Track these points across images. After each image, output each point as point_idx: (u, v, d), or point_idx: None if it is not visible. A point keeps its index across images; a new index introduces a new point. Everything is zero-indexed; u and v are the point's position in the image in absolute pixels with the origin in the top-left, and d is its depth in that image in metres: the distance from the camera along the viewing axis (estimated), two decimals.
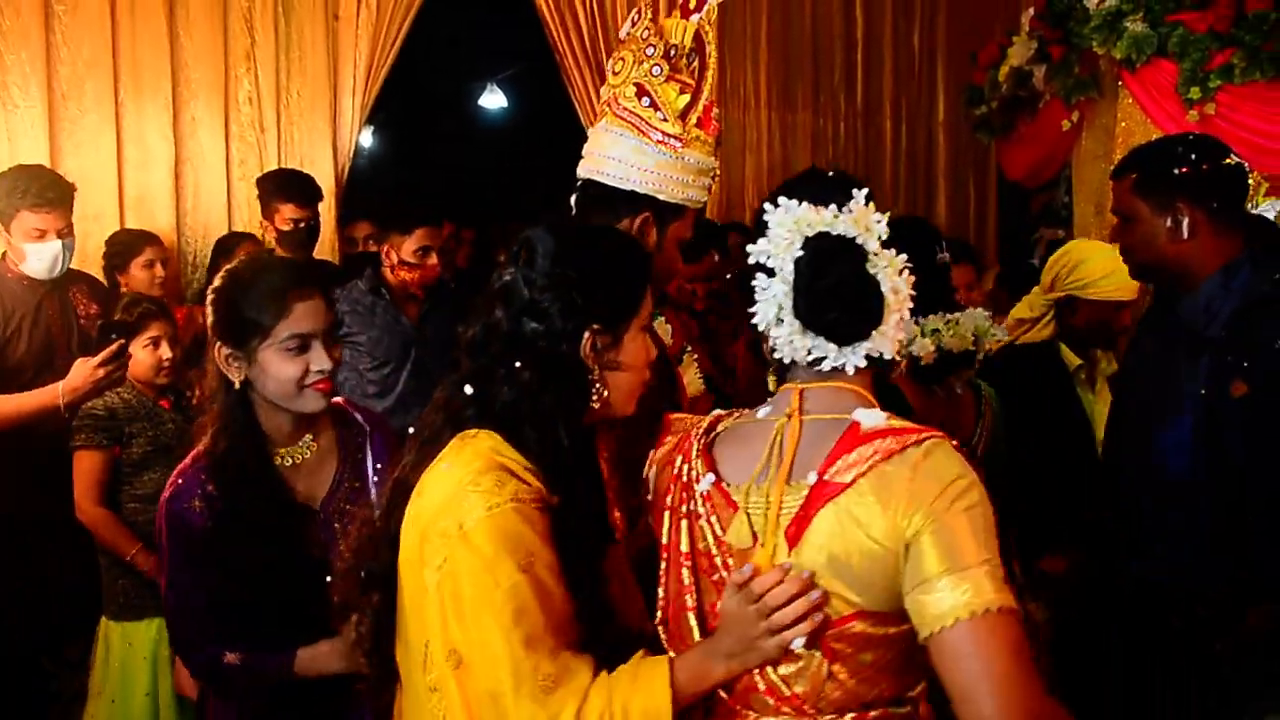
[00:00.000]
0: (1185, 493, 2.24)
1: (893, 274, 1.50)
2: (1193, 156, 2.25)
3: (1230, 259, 2.24)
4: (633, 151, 2.05)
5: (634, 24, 2.12)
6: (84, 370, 2.94)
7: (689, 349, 2.27)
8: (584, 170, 2.15)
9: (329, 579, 1.73)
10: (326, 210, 4.69)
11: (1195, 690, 2.23)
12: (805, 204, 1.50)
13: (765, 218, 1.53)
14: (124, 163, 4.45)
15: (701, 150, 2.07)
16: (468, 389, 1.56)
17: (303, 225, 4.00)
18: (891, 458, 1.38)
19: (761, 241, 1.52)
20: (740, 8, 5.74)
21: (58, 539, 3.35)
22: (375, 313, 3.81)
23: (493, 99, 9.32)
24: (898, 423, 1.45)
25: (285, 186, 4.03)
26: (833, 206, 1.51)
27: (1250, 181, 3.41)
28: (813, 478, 1.42)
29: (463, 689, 1.41)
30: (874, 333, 1.49)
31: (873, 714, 1.43)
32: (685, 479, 1.57)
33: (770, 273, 1.50)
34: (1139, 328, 2.63)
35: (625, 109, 2.08)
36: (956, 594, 1.30)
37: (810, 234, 1.49)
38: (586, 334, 1.52)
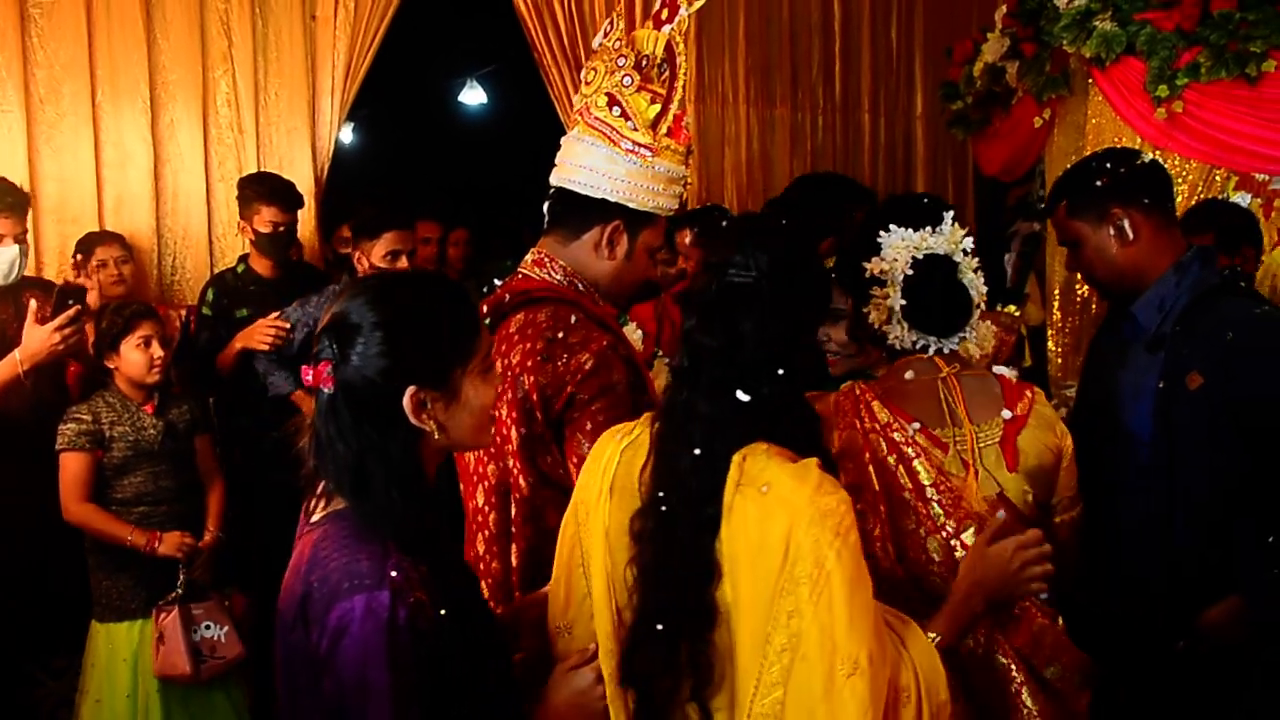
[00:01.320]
0: (1146, 482, 2.28)
1: (976, 280, 2.05)
2: (1108, 165, 2.35)
3: (1178, 255, 2.31)
4: (604, 160, 2.08)
5: (606, 34, 2.14)
6: (41, 334, 2.95)
7: (660, 353, 2.30)
8: (556, 179, 2.17)
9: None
10: (306, 212, 4.69)
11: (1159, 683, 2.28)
12: (910, 230, 2.02)
13: (879, 240, 2.03)
14: (102, 165, 4.44)
15: (672, 159, 2.10)
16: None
17: (282, 229, 4.00)
18: (1037, 397, 2.02)
19: (876, 260, 2.03)
20: (719, 3, 5.75)
21: (47, 543, 3.38)
22: None
23: (472, 95, 9.31)
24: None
25: (268, 189, 4.02)
26: (931, 228, 2.03)
27: (1218, 176, 3.50)
28: (1008, 414, 1.98)
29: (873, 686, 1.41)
30: (966, 326, 2.04)
31: None
32: (879, 431, 1.99)
33: (882, 283, 2.02)
34: (1096, 335, 2.69)
35: (597, 118, 2.10)
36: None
37: (920, 255, 2.00)
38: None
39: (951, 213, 2.06)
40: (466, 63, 9.09)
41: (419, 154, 9.78)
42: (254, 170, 4.57)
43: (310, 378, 1.49)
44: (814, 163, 6.05)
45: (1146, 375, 2.29)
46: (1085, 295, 3.97)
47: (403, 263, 3.77)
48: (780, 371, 1.53)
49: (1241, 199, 3.68)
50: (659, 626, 1.51)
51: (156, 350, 3.34)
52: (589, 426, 1.98)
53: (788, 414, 1.58)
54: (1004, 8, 4.28)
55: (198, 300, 4.14)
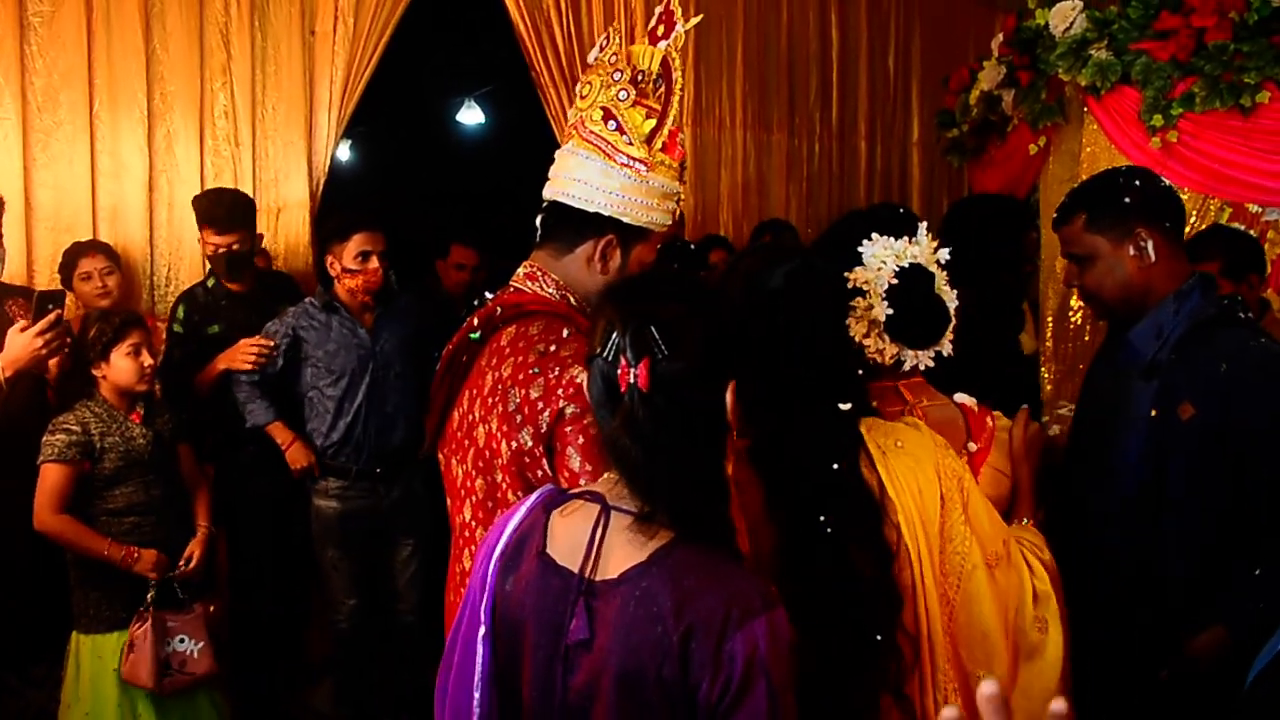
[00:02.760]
0: (1134, 511, 2.27)
1: (949, 292, 2.03)
2: (1136, 183, 2.30)
3: (1182, 282, 2.29)
4: (598, 174, 2.07)
5: (602, 49, 2.14)
6: (23, 340, 2.93)
7: None
8: (549, 192, 2.17)
9: None
10: (301, 225, 4.71)
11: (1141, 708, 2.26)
12: (891, 238, 1.99)
13: (860, 250, 1.99)
14: (98, 175, 4.43)
15: (666, 175, 2.09)
16: None
17: (224, 251, 3.93)
18: (998, 423, 2.06)
19: (860, 270, 1.98)
20: (717, 27, 5.78)
21: (25, 552, 3.35)
22: (331, 327, 3.83)
23: (470, 115, 9.34)
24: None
25: (203, 211, 3.98)
26: (909, 238, 2.00)
27: (1211, 206, 3.50)
28: (973, 446, 2.01)
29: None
30: (941, 339, 2.03)
31: None
32: None
33: (863, 294, 1.98)
34: (1093, 363, 2.66)
35: (591, 132, 2.09)
36: None
37: (905, 265, 1.97)
38: None
39: (925, 223, 2.06)
40: (463, 81, 9.12)
41: (414, 171, 9.78)
42: (249, 183, 4.58)
43: (631, 377, 1.39)
44: (810, 188, 6.08)
45: (1139, 404, 2.27)
46: (1079, 323, 3.97)
47: (373, 263, 3.76)
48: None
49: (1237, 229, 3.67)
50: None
51: (146, 359, 3.33)
52: (580, 440, 1.95)
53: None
54: (1000, 36, 4.30)
55: (168, 317, 4.10)
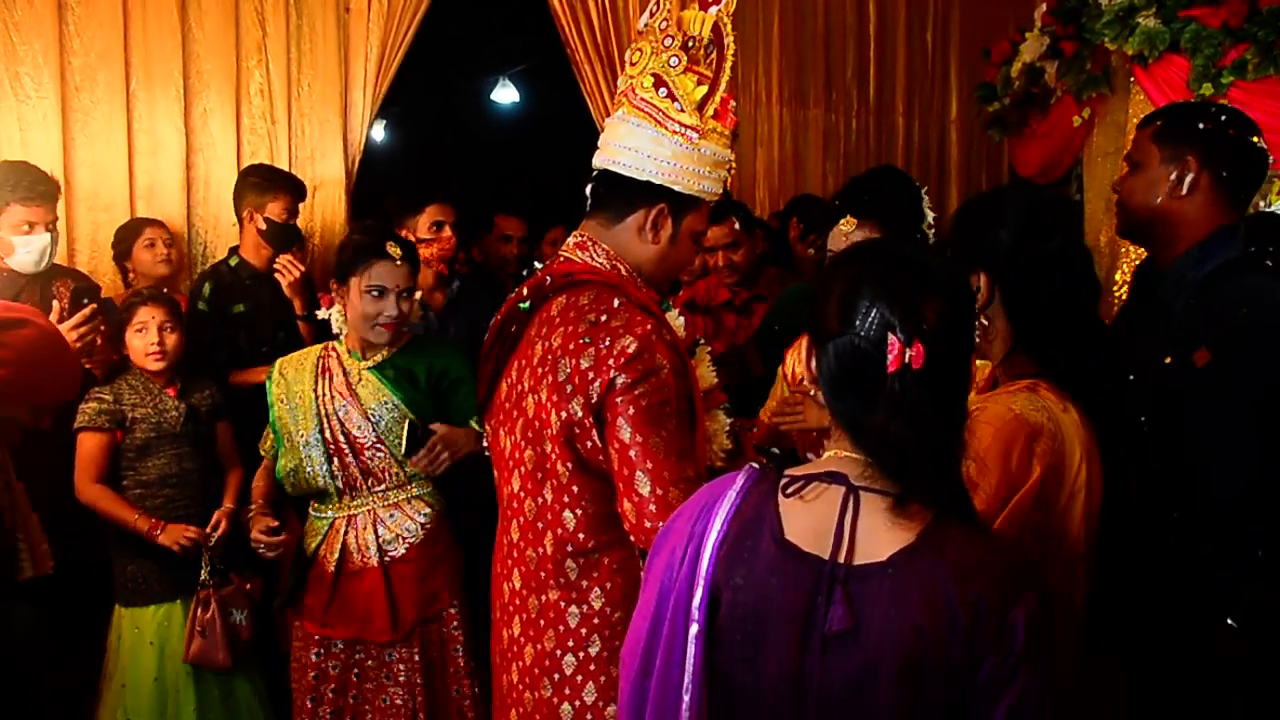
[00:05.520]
0: (1148, 464, 2.18)
1: None
2: (1221, 119, 2.23)
3: (1212, 235, 2.21)
4: (650, 142, 2.03)
5: (652, 14, 2.10)
6: None
7: (701, 341, 2.25)
8: (600, 160, 2.13)
9: None
10: (337, 203, 4.70)
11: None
12: None
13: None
14: (135, 153, 4.44)
15: (718, 142, 2.05)
16: None
17: (285, 220, 3.97)
18: None
19: None
20: (754, 3, 5.73)
21: (68, 526, 3.37)
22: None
23: (505, 93, 9.31)
24: None
25: (284, 178, 4.02)
26: None
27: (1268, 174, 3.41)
28: None
29: None
30: None
31: None
32: None
33: None
34: (1126, 301, 2.59)
35: (643, 99, 2.05)
36: None
37: None
38: None
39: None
40: (497, 59, 9.09)
41: (450, 151, 9.77)
42: (285, 161, 4.57)
43: (905, 355, 1.32)
44: (847, 165, 6.02)
45: (1159, 349, 2.19)
46: (1122, 298, 3.90)
47: (447, 232, 3.76)
48: None
49: None
50: None
51: (152, 336, 3.33)
52: (631, 411, 1.93)
53: None
54: (1044, 6, 4.22)
55: (190, 295, 4.03)
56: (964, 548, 1.34)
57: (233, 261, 4.01)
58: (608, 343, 1.96)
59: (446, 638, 3.07)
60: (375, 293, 2.90)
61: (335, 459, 2.96)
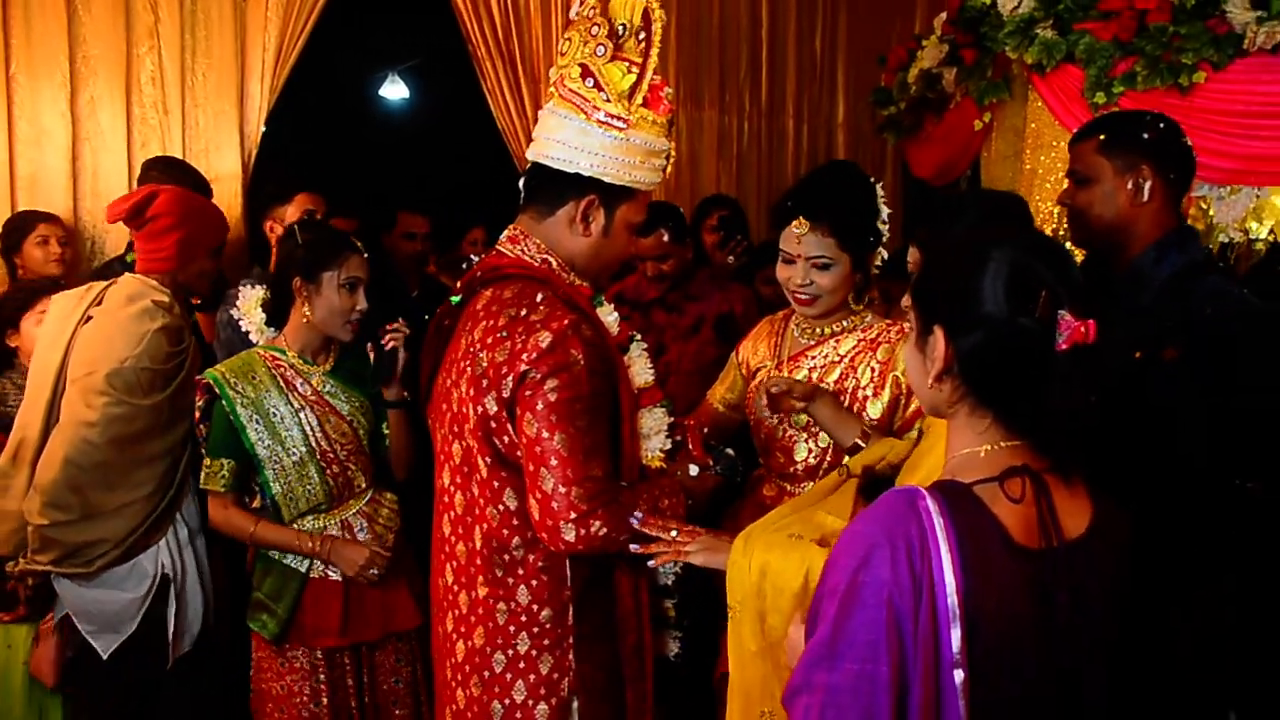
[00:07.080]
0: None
1: None
2: (1160, 127, 2.39)
3: (1164, 234, 2.36)
4: (577, 133, 2.04)
5: (582, 3, 2.10)
6: None
7: (637, 337, 2.25)
8: (532, 153, 2.14)
9: None
10: (234, 197, 4.57)
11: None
12: None
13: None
14: (16, 141, 4.26)
15: (650, 131, 2.06)
16: None
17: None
18: None
19: None
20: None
21: None
22: None
23: (394, 89, 9.18)
24: None
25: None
26: None
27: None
28: None
29: None
30: None
31: None
32: None
33: None
34: None
35: (570, 90, 2.06)
36: None
37: None
38: None
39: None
40: (396, 54, 8.96)
41: (338, 146, 9.56)
42: (179, 152, 4.42)
43: (1080, 333, 1.30)
44: (739, 167, 6.10)
45: (1121, 347, 2.28)
46: None
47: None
48: None
49: None
50: None
51: None
52: (539, 406, 1.94)
53: None
54: (944, 15, 4.37)
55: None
56: (1115, 504, 1.46)
57: (129, 257, 3.85)
58: (523, 337, 1.95)
59: None
60: (350, 287, 2.79)
61: (327, 469, 2.82)
